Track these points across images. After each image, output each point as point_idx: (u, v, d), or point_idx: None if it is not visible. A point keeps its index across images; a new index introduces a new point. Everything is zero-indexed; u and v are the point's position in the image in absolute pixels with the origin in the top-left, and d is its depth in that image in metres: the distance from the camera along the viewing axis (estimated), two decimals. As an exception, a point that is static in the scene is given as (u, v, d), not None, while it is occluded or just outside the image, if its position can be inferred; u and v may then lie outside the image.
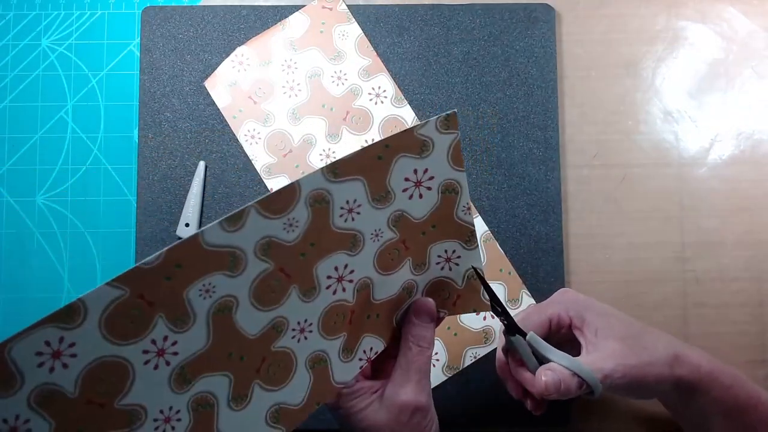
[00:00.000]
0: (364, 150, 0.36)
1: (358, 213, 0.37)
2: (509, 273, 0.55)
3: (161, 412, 0.32)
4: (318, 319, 0.38)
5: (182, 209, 0.55)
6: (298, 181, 0.34)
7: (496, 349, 0.54)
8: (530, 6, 0.58)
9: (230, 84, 0.57)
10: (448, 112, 0.38)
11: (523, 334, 0.43)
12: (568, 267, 0.56)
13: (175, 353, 0.32)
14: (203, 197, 0.56)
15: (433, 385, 0.54)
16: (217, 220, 0.32)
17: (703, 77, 0.58)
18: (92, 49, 0.58)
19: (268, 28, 0.58)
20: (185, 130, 0.56)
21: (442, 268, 0.42)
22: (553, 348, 0.42)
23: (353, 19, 0.58)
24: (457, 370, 0.54)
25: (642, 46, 0.59)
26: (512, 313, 0.47)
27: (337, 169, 0.35)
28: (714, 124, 0.58)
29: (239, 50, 0.57)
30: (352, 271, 0.39)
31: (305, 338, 0.38)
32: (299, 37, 0.58)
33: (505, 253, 0.55)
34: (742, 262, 0.56)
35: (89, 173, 0.57)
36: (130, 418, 0.31)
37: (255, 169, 0.56)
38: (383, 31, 0.58)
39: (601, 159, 0.57)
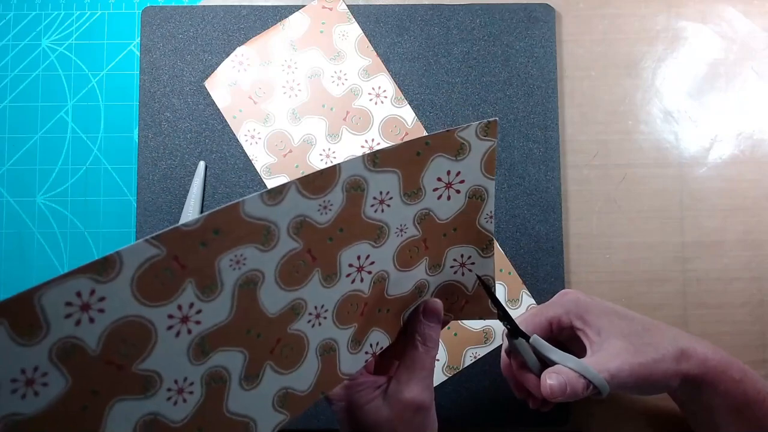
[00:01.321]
0: (405, 144, 0.36)
1: (389, 206, 0.38)
2: (509, 273, 0.55)
3: (175, 381, 0.32)
4: (334, 306, 0.38)
5: (182, 209, 0.55)
6: (339, 165, 0.34)
7: (496, 348, 0.54)
8: (530, 6, 0.58)
9: (230, 84, 0.57)
10: (490, 120, 0.38)
11: (527, 338, 0.43)
12: (568, 267, 0.56)
13: (198, 322, 0.32)
14: (203, 197, 0.56)
15: (433, 385, 0.54)
16: (258, 192, 0.32)
17: (703, 77, 0.58)
18: (92, 49, 0.58)
19: (268, 28, 0.58)
20: (185, 130, 0.56)
21: (456, 272, 0.43)
22: (557, 350, 0.42)
23: (353, 19, 0.58)
24: (457, 370, 0.54)
25: (642, 46, 0.59)
26: (513, 314, 0.46)
27: (378, 159, 0.36)
28: (714, 124, 0.58)
29: (239, 50, 0.57)
30: (372, 263, 0.39)
31: (319, 324, 0.38)
32: (299, 37, 0.58)
33: (505, 253, 0.55)
34: (742, 262, 0.56)
35: (89, 173, 0.57)
36: (145, 385, 0.31)
37: (255, 169, 0.56)
38: (383, 31, 0.58)
39: (601, 159, 0.57)
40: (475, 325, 0.55)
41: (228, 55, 0.57)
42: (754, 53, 0.59)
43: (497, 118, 0.39)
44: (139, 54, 0.58)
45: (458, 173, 0.39)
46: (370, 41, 0.58)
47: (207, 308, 0.32)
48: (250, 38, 0.58)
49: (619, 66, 0.58)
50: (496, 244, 0.55)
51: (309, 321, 0.37)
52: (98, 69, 0.58)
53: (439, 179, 0.39)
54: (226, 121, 0.57)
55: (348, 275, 0.38)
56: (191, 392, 0.33)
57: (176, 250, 0.30)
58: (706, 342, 0.44)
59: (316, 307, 0.37)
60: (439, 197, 0.40)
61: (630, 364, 0.41)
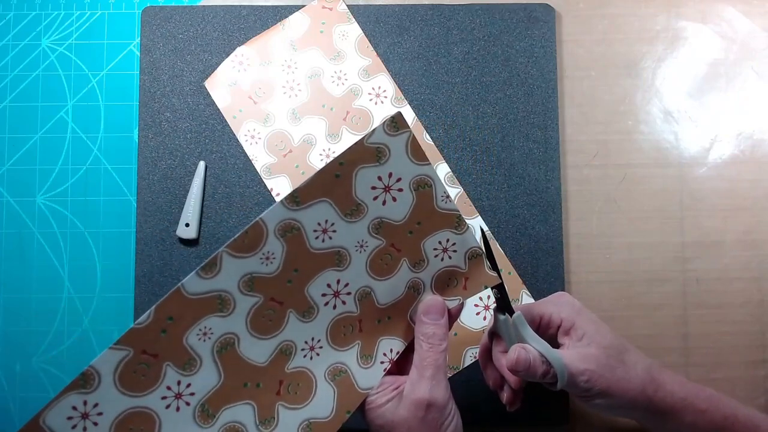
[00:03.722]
0: (319, 173, 0.37)
1: (334, 231, 0.39)
2: (509, 273, 0.55)
3: None
4: (325, 334, 0.40)
5: (182, 209, 0.55)
6: (261, 218, 0.36)
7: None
8: (530, 6, 0.58)
9: (230, 84, 0.57)
10: (393, 114, 0.39)
11: (512, 313, 0.44)
12: (568, 267, 0.56)
13: (192, 393, 0.36)
14: (203, 197, 0.56)
15: (433, 385, 0.54)
16: (193, 271, 0.35)
17: (703, 77, 0.58)
18: (92, 49, 0.58)
19: (268, 28, 0.58)
20: (185, 130, 0.56)
21: (442, 259, 0.43)
22: (535, 334, 0.43)
23: (353, 19, 0.58)
24: (457, 370, 0.54)
25: (642, 46, 0.59)
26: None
27: (298, 197, 0.37)
28: (714, 124, 0.58)
29: (239, 50, 0.57)
30: (347, 285, 0.40)
31: (317, 354, 0.39)
32: (299, 37, 0.58)
33: (505, 253, 0.55)
34: (742, 262, 0.56)
35: (89, 173, 0.57)
36: None
37: (255, 169, 0.56)
38: (383, 31, 0.58)
39: (601, 159, 0.57)
40: (475, 325, 0.55)
41: (228, 55, 0.57)
42: (754, 53, 0.59)
43: (400, 111, 0.39)
44: (139, 54, 0.58)
45: (390, 174, 0.40)
46: (370, 41, 0.58)
47: (195, 380, 0.36)
48: (250, 38, 0.58)
49: (619, 66, 0.58)
50: (497, 244, 0.55)
51: (305, 356, 0.39)
52: (98, 69, 0.58)
53: (373, 188, 0.39)
54: (226, 121, 0.57)
55: (326, 304, 0.39)
56: None
57: (141, 345, 0.34)
58: (679, 376, 0.45)
59: (307, 342, 0.39)
60: (384, 203, 0.40)
61: (593, 372, 0.42)
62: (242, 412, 0.37)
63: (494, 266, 0.44)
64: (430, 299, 0.42)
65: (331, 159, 0.38)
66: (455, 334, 0.54)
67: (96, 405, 0.33)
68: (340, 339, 0.40)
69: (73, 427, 0.32)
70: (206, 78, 0.57)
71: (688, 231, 0.57)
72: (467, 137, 0.57)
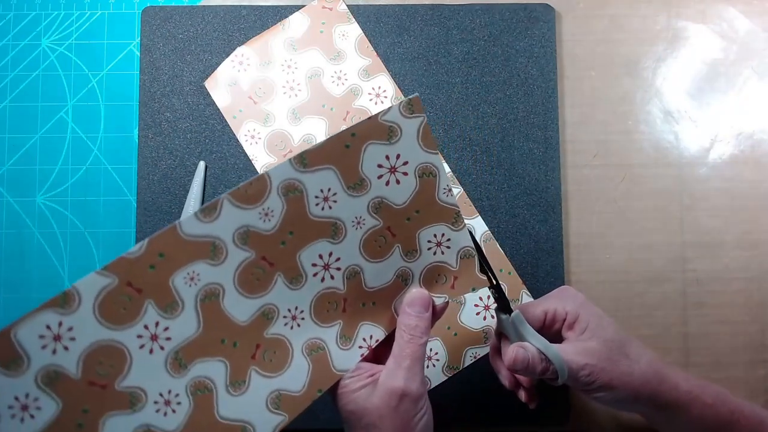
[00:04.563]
0: (331, 139, 0.37)
1: (335, 201, 0.38)
2: (509, 273, 0.55)
3: (161, 395, 0.34)
4: (309, 306, 0.39)
5: (182, 209, 0.55)
6: (267, 172, 0.36)
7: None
8: (530, 6, 0.58)
9: (230, 84, 0.57)
10: (411, 96, 0.39)
11: (511, 313, 0.44)
12: (568, 267, 0.56)
13: (168, 338, 0.34)
14: (203, 197, 0.56)
15: (433, 385, 0.54)
16: (192, 213, 0.34)
17: (703, 77, 0.58)
18: (92, 49, 0.58)
19: (268, 28, 0.58)
20: (185, 130, 0.56)
21: (435, 253, 0.43)
22: (534, 331, 0.43)
23: (353, 19, 0.58)
24: (457, 370, 0.54)
25: (642, 46, 0.59)
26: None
27: (306, 159, 0.37)
28: (714, 124, 0.58)
29: (239, 50, 0.57)
30: (338, 259, 0.39)
31: (298, 325, 0.39)
32: (299, 37, 0.58)
33: (505, 253, 0.55)
34: (742, 262, 0.56)
35: (89, 173, 0.57)
36: (131, 400, 0.33)
37: (255, 169, 0.56)
38: (383, 31, 0.58)
39: (601, 159, 0.57)
40: (475, 325, 0.55)
41: (228, 55, 0.57)
42: (754, 53, 0.59)
43: (418, 94, 0.39)
44: (139, 54, 0.58)
45: (398, 156, 0.39)
46: (370, 41, 0.58)
47: (173, 325, 0.34)
48: (250, 38, 0.58)
49: (619, 66, 0.58)
50: (497, 244, 0.55)
51: (286, 324, 0.38)
52: (98, 69, 0.58)
53: (380, 165, 0.39)
54: (226, 121, 0.57)
55: (315, 275, 0.39)
56: (179, 403, 0.34)
57: (128, 277, 0.33)
58: (684, 372, 0.45)
59: (290, 310, 0.38)
60: (387, 183, 0.40)
61: (594, 366, 0.42)
62: (214, 369, 0.36)
63: (488, 269, 0.44)
64: (417, 291, 0.42)
65: (343, 130, 0.38)
66: (455, 335, 0.54)
67: (71, 329, 0.32)
68: (323, 314, 0.40)
69: (43, 347, 0.31)
70: (206, 78, 0.57)
71: (688, 231, 0.57)
72: (467, 137, 0.57)
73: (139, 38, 0.58)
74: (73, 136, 0.57)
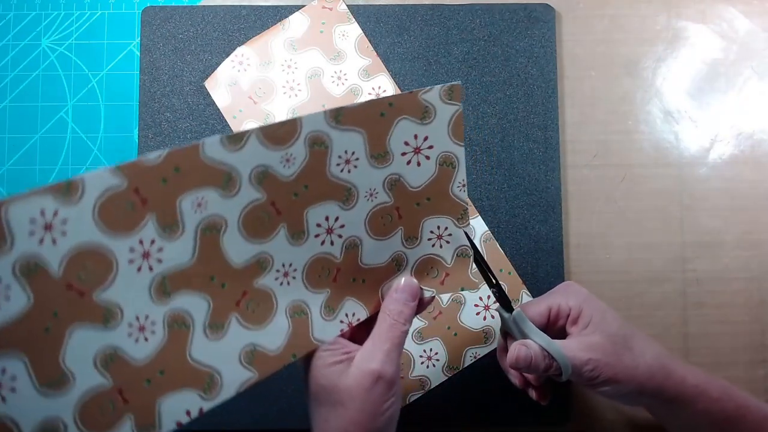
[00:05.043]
0: (368, 103, 0.37)
1: (355, 166, 0.38)
2: (509, 273, 0.55)
3: (137, 318, 0.32)
4: (303, 266, 0.38)
5: (182, 209, 0.55)
6: (300, 118, 0.35)
7: (496, 349, 0.54)
8: (530, 6, 0.58)
9: (230, 84, 0.57)
10: (453, 83, 0.39)
11: (511, 311, 0.44)
12: (568, 267, 0.56)
13: (160, 260, 0.33)
14: (203, 197, 0.56)
15: (433, 385, 0.54)
16: (219, 136, 0.32)
17: (703, 77, 0.58)
18: (92, 49, 0.58)
19: (268, 28, 0.58)
20: (185, 130, 0.56)
21: (433, 245, 0.43)
22: (536, 328, 0.43)
23: (353, 19, 0.58)
24: (457, 370, 0.54)
25: (642, 46, 0.59)
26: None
27: (341, 116, 0.36)
28: (714, 124, 0.58)
29: (239, 50, 0.57)
30: (342, 226, 0.39)
31: (288, 283, 0.38)
32: (299, 37, 0.58)
33: (505, 253, 0.55)
34: (742, 262, 0.56)
35: (89, 173, 0.57)
36: (105, 315, 0.31)
37: (255, 169, 0.56)
38: (383, 31, 0.58)
39: (601, 159, 0.57)
40: (475, 325, 0.55)
41: (228, 55, 0.57)
42: (754, 53, 0.59)
43: (460, 82, 0.39)
44: (139, 54, 0.58)
45: (426, 138, 0.39)
46: (370, 41, 0.58)
47: (169, 247, 0.33)
48: (250, 38, 0.58)
49: (619, 66, 0.58)
50: (497, 244, 0.55)
51: (277, 278, 0.37)
52: (98, 69, 0.58)
53: (406, 143, 0.39)
54: (226, 121, 0.57)
55: (317, 236, 0.38)
56: (153, 332, 0.33)
57: (137, 183, 0.31)
58: (690, 365, 0.45)
59: (284, 265, 0.37)
60: (408, 162, 0.40)
61: (598, 361, 0.41)
62: (196, 305, 0.34)
63: (486, 269, 0.44)
64: (408, 279, 0.42)
65: (381, 97, 0.38)
66: (455, 335, 0.54)
67: (65, 221, 0.29)
68: (314, 278, 0.39)
69: (31, 233, 0.28)
70: (206, 78, 0.57)
71: (688, 231, 0.57)
72: (467, 137, 0.57)
73: (139, 38, 0.58)
74: (73, 136, 0.57)
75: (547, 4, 0.58)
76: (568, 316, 0.45)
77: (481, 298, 0.55)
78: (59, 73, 0.58)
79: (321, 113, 0.36)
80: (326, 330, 0.39)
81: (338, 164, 0.37)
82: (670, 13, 0.59)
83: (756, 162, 0.57)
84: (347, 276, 0.41)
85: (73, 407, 0.30)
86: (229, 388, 0.35)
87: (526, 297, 0.55)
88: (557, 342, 0.42)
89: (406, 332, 0.40)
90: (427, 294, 0.43)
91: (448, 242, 0.43)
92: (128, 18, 0.59)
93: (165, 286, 0.33)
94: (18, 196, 0.27)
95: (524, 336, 0.43)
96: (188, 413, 0.34)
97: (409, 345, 0.54)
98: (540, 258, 0.55)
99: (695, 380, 0.43)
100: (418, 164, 0.40)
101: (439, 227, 0.42)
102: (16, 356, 0.28)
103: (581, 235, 0.57)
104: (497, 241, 0.56)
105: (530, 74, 0.57)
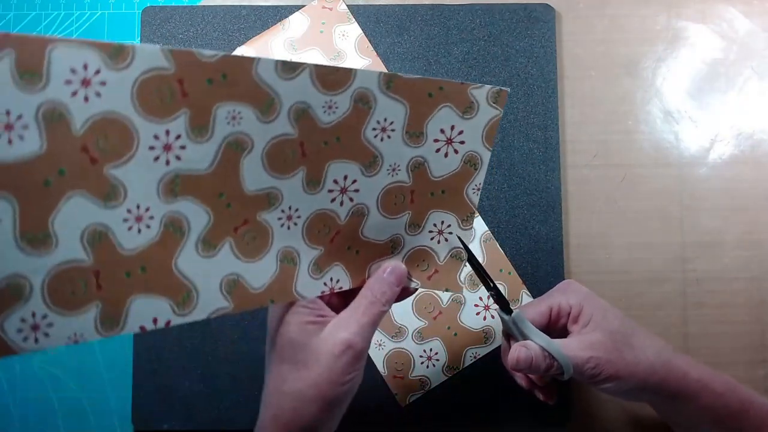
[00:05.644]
0: (422, 79, 0.37)
1: (389, 137, 0.38)
2: (509, 273, 0.55)
3: (138, 207, 0.32)
4: (307, 216, 0.38)
5: (182, 209, 0.55)
6: (355, 70, 0.35)
7: (496, 348, 0.54)
8: (530, 6, 0.58)
9: (230, 84, 0.57)
10: (502, 88, 0.39)
11: (510, 313, 0.44)
12: (568, 267, 0.56)
13: (179, 158, 0.32)
14: (203, 197, 0.56)
15: (433, 385, 0.54)
16: (275, 59, 0.33)
17: (703, 77, 0.58)
18: (92, 49, 0.58)
19: (268, 28, 0.58)
20: (185, 130, 0.56)
21: (432, 239, 0.43)
22: (536, 329, 0.43)
23: (353, 19, 0.58)
24: (457, 370, 0.54)
25: (642, 46, 0.59)
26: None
27: (392, 83, 0.37)
28: (714, 124, 0.58)
29: (239, 50, 0.57)
30: (357, 190, 0.39)
31: (288, 228, 0.37)
32: (299, 37, 0.58)
33: (505, 253, 0.55)
34: (742, 262, 0.56)
35: (89, 173, 0.57)
36: (108, 192, 0.30)
37: (255, 169, 0.56)
38: (383, 31, 0.58)
39: (601, 159, 0.57)
40: (475, 325, 0.55)
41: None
42: (754, 53, 0.59)
43: (509, 90, 0.39)
44: (139, 54, 0.58)
45: (461, 132, 0.40)
46: (370, 41, 0.58)
47: (191, 148, 0.32)
48: (250, 38, 0.58)
49: (619, 66, 0.58)
50: (497, 244, 0.55)
51: (280, 219, 0.37)
52: (98, 69, 0.58)
53: (442, 131, 0.39)
54: (226, 121, 0.57)
55: (330, 191, 0.38)
56: (148, 226, 0.32)
57: (184, 74, 0.31)
58: (692, 359, 0.45)
59: (290, 208, 0.37)
60: (438, 150, 0.40)
61: (599, 359, 0.41)
62: (197, 216, 0.34)
63: (484, 274, 0.44)
64: (398, 264, 0.41)
65: (434, 79, 0.38)
66: (455, 335, 0.54)
67: (104, 83, 0.28)
68: (313, 232, 0.39)
69: (67, 82, 0.28)
70: (206, 78, 0.57)
71: (688, 231, 0.57)
72: (467, 137, 0.57)
73: (139, 38, 0.58)
74: (73, 136, 0.57)
75: (547, 4, 0.58)
76: (569, 314, 0.45)
77: (481, 298, 0.55)
78: (59, 73, 0.58)
79: (376, 73, 0.36)
80: (308, 287, 0.39)
81: (374, 129, 0.38)
82: (670, 13, 0.59)
83: (756, 162, 0.57)
84: (344, 242, 0.40)
85: (46, 272, 0.29)
86: (201, 310, 0.34)
87: (526, 297, 0.55)
88: (557, 341, 0.42)
89: (384, 313, 0.39)
90: (412, 285, 0.43)
91: (446, 240, 0.43)
92: (128, 18, 0.59)
93: (175, 186, 0.32)
94: (67, 40, 0.27)
95: (525, 337, 0.43)
96: (155, 321, 0.33)
97: (409, 345, 0.54)
98: (540, 258, 0.55)
99: (698, 375, 0.43)
100: (446, 155, 0.40)
101: (443, 222, 0.42)
102: (7, 198, 0.27)
103: (581, 235, 0.57)
104: (497, 241, 0.56)
105: (530, 74, 0.57)
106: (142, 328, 0.32)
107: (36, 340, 0.29)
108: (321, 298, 0.40)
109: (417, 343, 0.54)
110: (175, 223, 0.33)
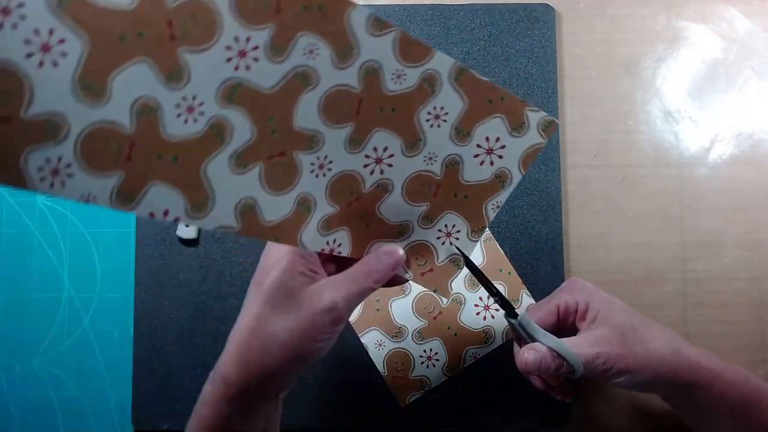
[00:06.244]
0: (488, 83, 0.38)
1: (438, 126, 0.39)
2: (509, 273, 0.55)
3: (193, 98, 0.31)
4: (337, 172, 0.38)
5: (182, 209, 0.55)
6: (436, 52, 0.36)
7: (496, 348, 0.54)
8: (530, 6, 0.58)
9: (230, 84, 0.57)
10: (555, 120, 0.40)
11: (515, 316, 0.44)
12: (568, 267, 0.56)
13: (248, 68, 0.32)
14: (203, 197, 0.56)
15: (433, 385, 0.54)
16: (370, 12, 0.34)
17: (703, 77, 0.58)
18: (92, 49, 0.58)
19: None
20: (185, 130, 0.56)
21: (438, 238, 0.43)
22: (543, 330, 0.43)
23: None
24: (457, 370, 0.54)
25: (642, 46, 0.59)
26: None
27: (461, 76, 0.37)
28: (714, 124, 0.58)
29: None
30: (390, 165, 0.39)
31: (316, 176, 0.38)
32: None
33: (505, 253, 0.55)
34: (742, 262, 0.56)
35: (89, 173, 0.57)
36: (174, 73, 0.30)
37: (255, 169, 0.56)
38: (383, 31, 0.58)
39: (601, 159, 0.57)
40: (475, 325, 0.55)
41: (228, 55, 0.57)
42: (754, 53, 0.59)
43: (558, 122, 0.40)
44: (139, 54, 0.58)
45: (503, 146, 0.40)
46: (370, 41, 0.58)
47: (263, 64, 0.33)
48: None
49: (619, 66, 0.58)
50: (497, 244, 0.55)
51: (312, 164, 0.37)
52: (98, 69, 0.58)
53: (487, 138, 0.40)
54: (226, 121, 0.57)
55: (367, 156, 0.38)
56: (195, 120, 0.32)
57: None
58: (703, 349, 0.44)
59: (326, 158, 0.37)
60: (476, 155, 0.40)
61: (608, 353, 0.41)
62: (242, 130, 0.34)
63: (486, 281, 0.44)
64: (398, 250, 0.41)
65: (500, 87, 0.39)
66: (455, 335, 0.54)
67: None
68: (336, 190, 0.39)
69: None
70: (206, 78, 0.57)
71: (688, 231, 0.57)
72: (467, 137, 0.57)
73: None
74: (73, 136, 0.57)
75: (547, 4, 0.58)
76: (576, 312, 0.45)
77: (481, 298, 0.55)
78: (59, 73, 0.58)
79: (451, 61, 0.36)
80: (312, 240, 0.39)
81: (429, 113, 0.38)
82: (670, 13, 0.59)
83: (756, 162, 0.57)
84: (359, 210, 0.40)
85: (88, 124, 0.29)
86: (211, 220, 0.34)
87: (525, 297, 0.55)
88: (565, 340, 0.42)
89: (372, 290, 0.39)
90: (406, 275, 0.43)
91: (451, 244, 0.43)
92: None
93: (233, 93, 0.33)
94: None
95: (533, 339, 0.43)
96: (165, 213, 0.32)
97: (409, 345, 0.54)
98: (540, 258, 0.55)
99: (710, 364, 0.43)
100: (481, 163, 0.41)
101: (454, 226, 0.42)
102: (81, 37, 0.27)
103: (581, 235, 0.57)
104: (497, 241, 0.56)
105: (530, 74, 0.57)
106: (151, 214, 0.32)
107: (51, 185, 0.28)
108: (319, 254, 0.40)
109: (417, 343, 0.54)
110: (219, 128, 0.33)
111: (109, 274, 0.56)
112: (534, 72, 0.57)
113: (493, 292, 0.44)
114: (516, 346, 0.47)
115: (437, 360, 0.54)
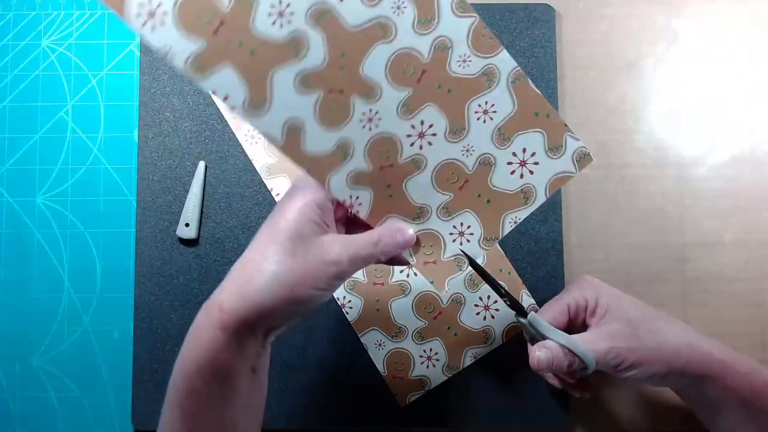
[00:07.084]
0: (540, 96, 0.40)
1: (484, 122, 0.40)
2: (509, 273, 0.55)
3: (280, 2, 0.35)
4: (381, 131, 0.40)
5: (182, 209, 0.55)
6: (504, 48, 0.39)
7: (496, 348, 0.54)
8: (530, 6, 0.58)
9: (230, 84, 0.57)
10: (589, 153, 0.41)
11: (525, 315, 0.44)
12: (568, 267, 0.56)
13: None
14: (203, 197, 0.56)
15: (433, 385, 0.54)
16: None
17: (703, 77, 0.58)
18: (92, 49, 0.58)
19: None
20: (185, 130, 0.56)
21: (450, 234, 0.43)
22: (553, 327, 0.44)
23: None
24: (457, 370, 0.54)
25: (642, 46, 0.59)
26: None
27: (519, 81, 0.39)
28: (714, 124, 0.58)
29: None
30: (430, 144, 0.41)
31: (362, 127, 0.39)
32: None
33: (505, 253, 0.55)
34: (742, 262, 0.56)
35: (89, 173, 0.57)
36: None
37: (255, 169, 0.56)
38: (383, 31, 0.58)
39: (601, 159, 0.57)
40: (475, 325, 0.55)
41: (228, 55, 0.57)
42: (753, 53, 0.59)
43: (593, 158, 0.41)
44: (139, 54, 0.58)
45: (536, 163, 0.41)
46: (370, 41, 0.58)
47: (356, 0, 0.36)
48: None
49: (619, 66, 0.58)
50: (497, 244, 0.55)
51: (363, 114, 0.39)
52: (98, 69, 0.58)
53: (524, 150, 0.41)
54: (226, 121, 0.57)
55: (413, 126, 0.40)
56: (281, 26, 0.35)
57: None
58: (715, 341, 0.44)
59: (377, 113, 0.39)
60: (509, 163, 0.42)
61: (620, 348, 0.42)
62: (316, 52, 0.36)
63: (495, 283, 0.44)
64: (410, 232, 0.41)
65: (550, 106, 0.40)
66: (455, 335, 0.54)
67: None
68: (375, 150, 0.40)
69: None
70: (206, 78, 0.57)
71: (688, 231, 0.57)
72: (467, 137, 0.57)
73: (139, 38, 0.58)
74: (73, 136, 0.57)
75: (547, 4, 0.58)
76: (587, 308, 0.45)
77: (481, 298, 0.55)
78: (59, 73, 0.58)
79: (513, 64, 0.39)
80: (339, 188, 0.39)
81: (480, 106, 0.40)
82: (670, 13, 0.59)
83: (756, 162, 0.57)
84: (389, 178, 0.41)
85: None
86: (262, 123, 0.36)
87: (526, 297, 0.55)
88: (575, 337, 0.42)
89: (376, 260, 0.40)
90: (410, 259, 0.43)
91: (461, 243, 0.43)
92: (128, 18, 0.59)
93: (322, 18, 0.35)
94: None
95: (544, 338, 0.43)
96: (225, 97, 0.35)
97: (409, 345, 0.54)
98: (540, 258, 0.55)
99: (722, 355, 0.43)
100: (512, 173, 0.42)
101: (469, 227, 0.43)
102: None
103: (581, 235, 0.57)
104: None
105: (530, 74, 0.57)
106: (213, 91, 0.34)
107: (143, 24, 0.31)
108: (336, 207, 0.40)
109: (417, 343, 0.54)
110: (297, 41, 0.36)
111: (109, 274, 0.56)
112: (534, 72, 0.57)
113: (502, 293, 0.44)
114: (529, 346, 0.48)
115: (437, 360, 0.54)
